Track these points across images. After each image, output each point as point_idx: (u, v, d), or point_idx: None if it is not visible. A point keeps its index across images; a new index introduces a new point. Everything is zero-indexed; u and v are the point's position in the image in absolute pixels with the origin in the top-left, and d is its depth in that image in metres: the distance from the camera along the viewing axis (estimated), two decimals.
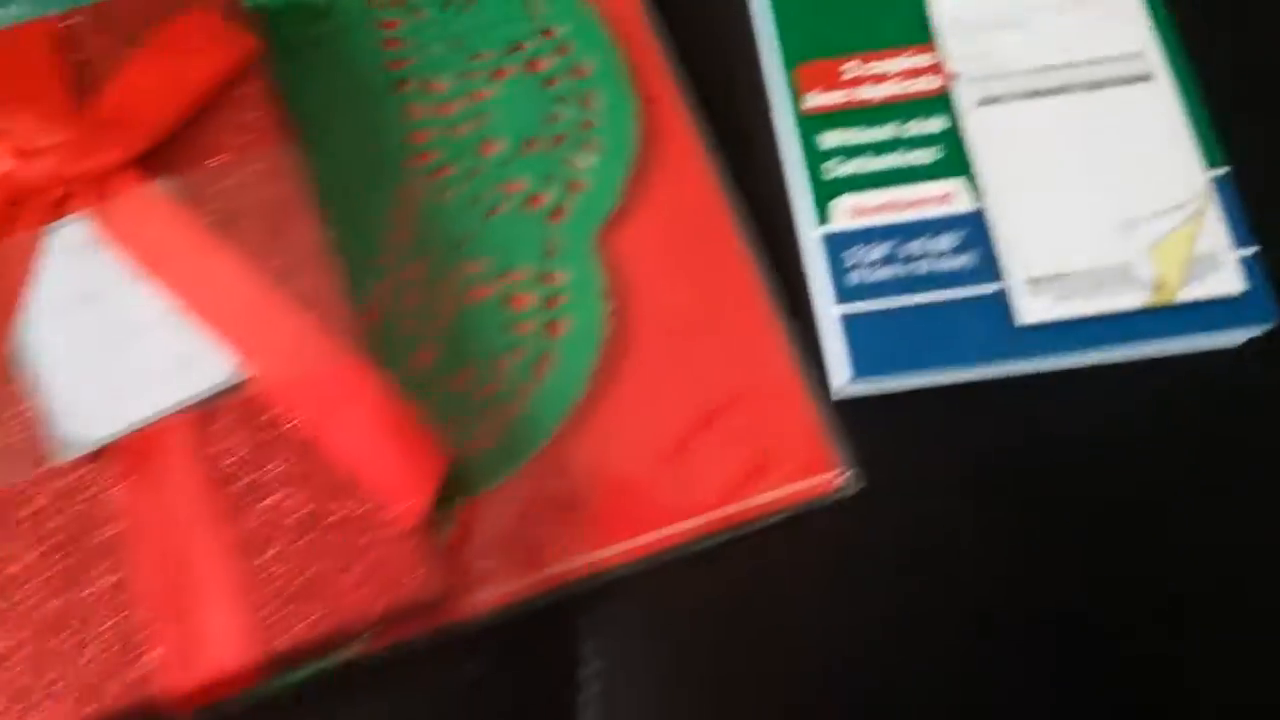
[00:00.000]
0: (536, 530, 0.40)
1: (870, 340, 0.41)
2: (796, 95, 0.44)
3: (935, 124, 0.44)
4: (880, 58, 0.44)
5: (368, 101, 0.44)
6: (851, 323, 0.41)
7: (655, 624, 0.39)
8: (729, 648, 0.39)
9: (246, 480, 0.37)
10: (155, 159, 0.40)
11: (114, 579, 0.36)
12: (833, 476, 0.40)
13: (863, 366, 0.41)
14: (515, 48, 0.45)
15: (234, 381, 0.38)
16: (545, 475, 0.40)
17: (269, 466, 0.37)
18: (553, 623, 0.39)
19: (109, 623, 0.35)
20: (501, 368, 0.41)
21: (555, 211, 0.43)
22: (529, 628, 0.39)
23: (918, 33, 0.45)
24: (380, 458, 0.37)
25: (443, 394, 0.40)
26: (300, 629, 0.36)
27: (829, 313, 0.42)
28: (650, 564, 0.39)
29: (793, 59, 0.45)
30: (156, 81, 0.41)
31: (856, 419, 0.41)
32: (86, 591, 0.35)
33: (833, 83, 0.44)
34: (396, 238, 0.42)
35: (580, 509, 0.40)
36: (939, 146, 0.43)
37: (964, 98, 0.44)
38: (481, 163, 0.44)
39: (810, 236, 0.43)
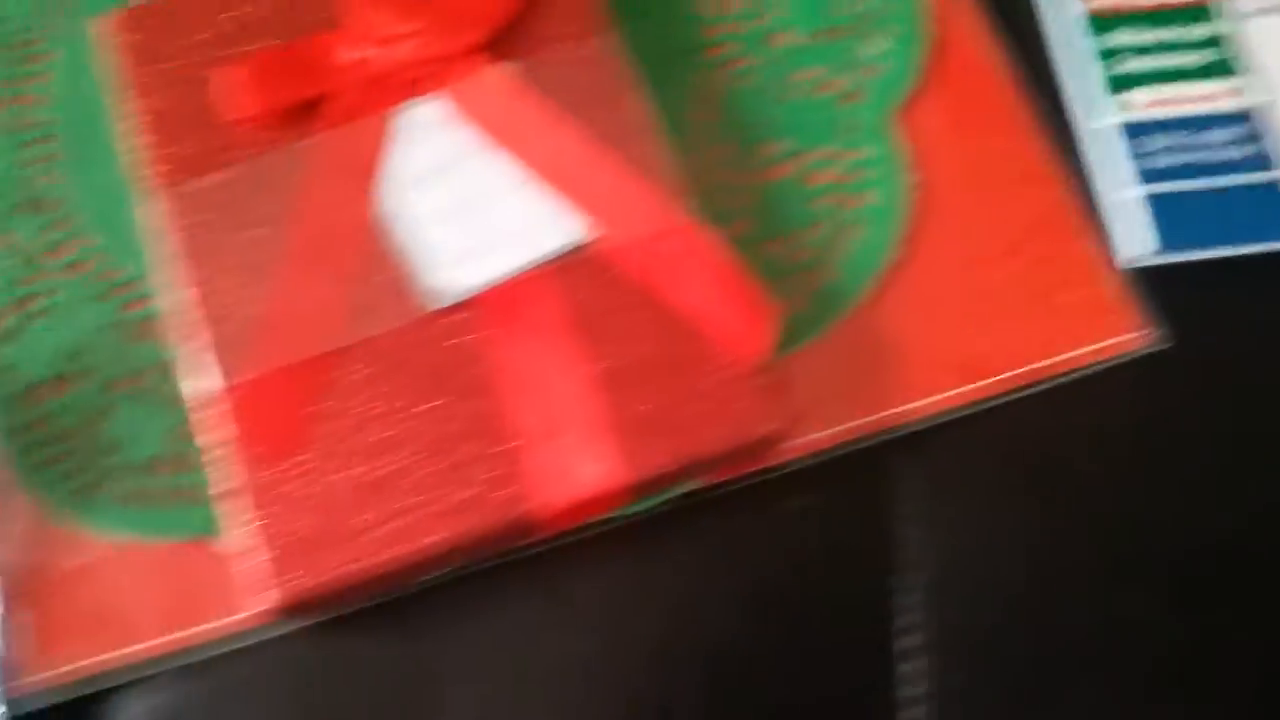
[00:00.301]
0: (845, 384, 0.42)
1: (1170, 218, 0.44)
2: None
3: (1210, 29, 0.46)
4: None
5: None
6: (1155, 201, 0.44)
7: (962, 471, 0.42)
8: (1035, 493, 0.42)
9: (601, 326, 0.40)
10: (496, 45, 0.43)
11: (487, 412, 0.39)
12: (1134, 337, 0.43)
13: (1170, 241, 0.43)
14: None
15: (584, 239, 0.41)
16: (853, 335, 0.43)
17: (620, 314, 0.40)
18: (866, 467, 0.42)
19: (484, 450, 0.39)
20: (808, 238, 0.44)
21: (850, 95, 0.46)
22: (843, 471, 0.42)
23: None
24: (719, 307, 0.40)
25: (755, 261, 0.43)
26: (656, 459, 0.39)
27: (1121, 189, 0.44)
28: (958, 414, 0.42)
29: None
30: None
31: (1153, 287, 0.43)
32: (463, 422, 0.39)
33: None
34: (702, 115, 0.46)
35: (887, 366, 0.43)
36: (1214, 50, 0.46)
37: (1239, 7, 0.46)
38: (773, 53, 0.47)
39: (1100, 125, 0.45)
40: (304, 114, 0.43)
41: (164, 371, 0.42)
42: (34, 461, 0.41)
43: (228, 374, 0.40)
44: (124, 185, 0.45)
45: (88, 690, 0.39)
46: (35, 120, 0.46)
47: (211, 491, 0.40)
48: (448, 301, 0.41)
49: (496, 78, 0.43)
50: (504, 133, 0.42)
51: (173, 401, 0.42)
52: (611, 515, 0.40)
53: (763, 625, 0.40)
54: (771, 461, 0.41)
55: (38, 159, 0.46)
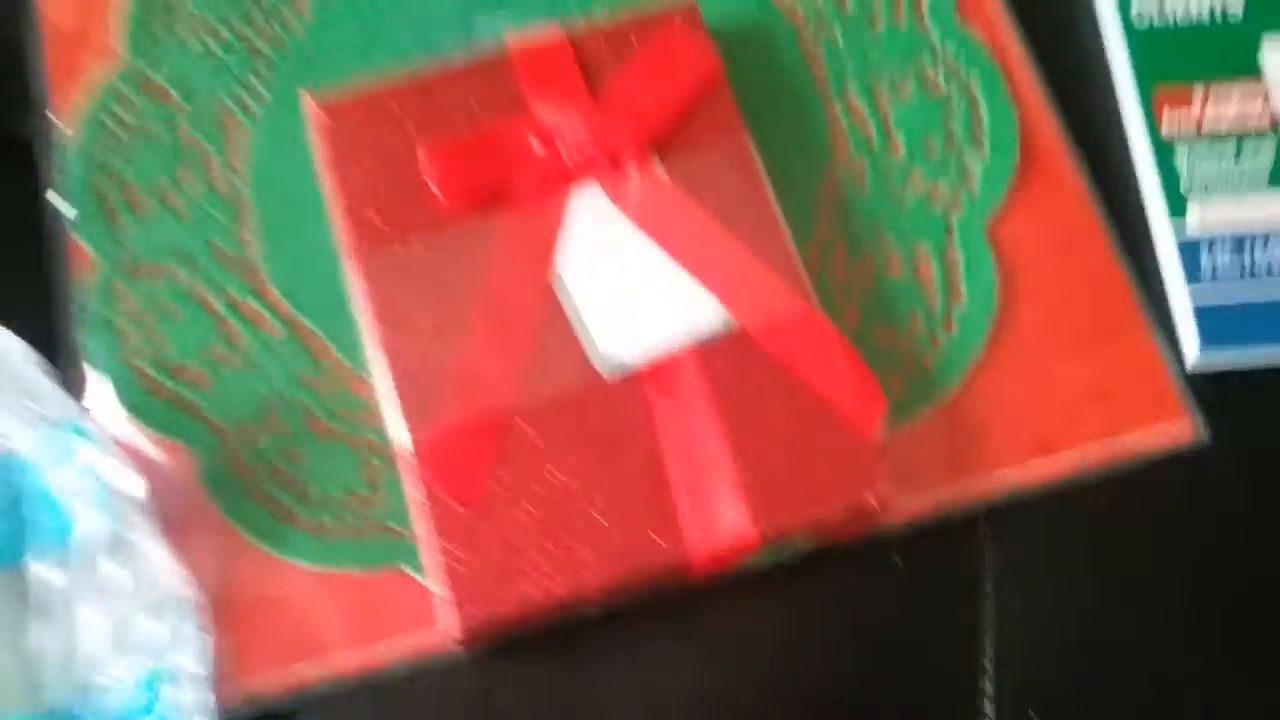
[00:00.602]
0: (941, 460, 0.49)
1: (1217, 322, 0.50)
2: (1152, 116, 0.54)
3: (1268, 149, 0.53)
4: (1221, 91, 0.54)
5: (796, 107, 0.54)
6: (1201, 305, 0.50)
7: (1035, 541, 0.49)
8: (1094, 562, 0.48)
9: (741, 399, 0.47)
10: (654, 147, 0.50)
11: (644, 469, 0.46)
12: (1185, 430, 0.49)
13: (1208, 341, 0.50)
14: (914, 68, 0.55)
15: (726, 325, 0.48)
16: (948, 417, 0.50)
17: (757, 390, 0.47)
18: (958, 533, 0.48)
19: (641, 503, 0.45)
20: (911, 329, 0.51)
21: (952, 203, 0.53)
22: (938, 536, 0.48)
23: (1252, 70, 0.54)
24: (838, 387, 0.47)
25: (865, 347, 0.50)
26: (783, 519, 0.45)
27: (1182, 297, 0.51)
28: (1035, 491, 0.49)
29: (1148, 86, 0.54)
30: (649, 85, 0.51)
31: (1206, 386, 0.50)
32: (623, 477, 0.46)
33: (1183, 107, 0.53)
34: (822, 216, 0.52)
35: (976, 446, 0.49)
36: (1271, 171, 0.52)
37: None
38: (890, 161, 0.53)
39: (1165, 234, 0.52)
40: (489, 194, 0.49)
41: (351, 418, 0.48)
42: (234, 497, 0.47)
43: (414, 426, 0.46)
44: (313, 250, 0.51)
45: (278, 707, 0.45)
46: (230, 188, 0.53)
47: (397, 527, 0.46)
48: (612, 373, 0.47)
49: (653, 175, 0.49)
50: (658, 225, 0.49)
51: (360, 445, 0.48)
52: (742, 565, 0.46)
53: (866, 668, 0.47)
54: (878, 524, 0.48)
55: (231, 223, 0.52)
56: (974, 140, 0.54)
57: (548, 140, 0.50)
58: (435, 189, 0.49)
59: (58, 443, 0.44)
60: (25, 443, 0.45)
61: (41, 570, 0.44)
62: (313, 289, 0.51)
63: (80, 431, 0.44)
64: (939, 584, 0.48)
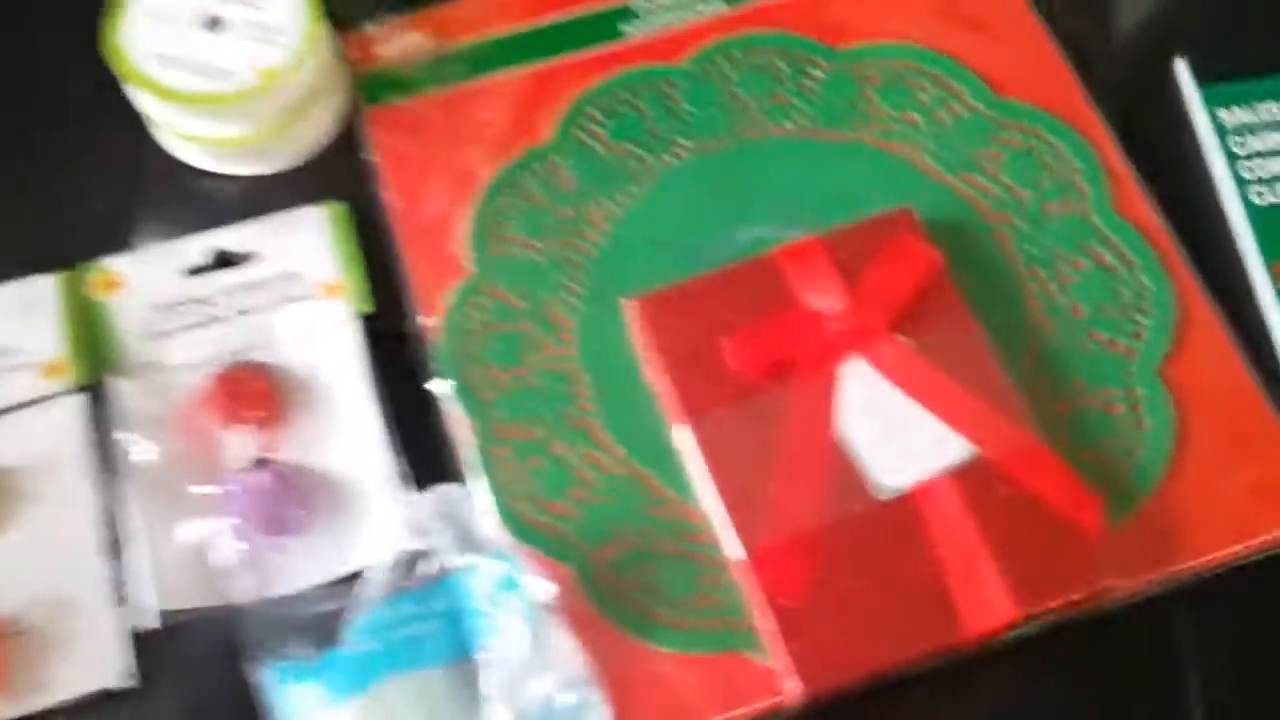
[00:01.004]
0: (1141, 552, 0.63)
1: None
2: (1276, 278, 0.69)
3: None
4: None
5: (995, 280, 0.70)
6: None
7: (1229, 612, 0.63)
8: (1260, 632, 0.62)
9: (991, 509, 0.61)
10: (898, 324, 0.66)
11: (925, 571, 0.60)
12: None
13: None
14: (1084, 247, 0.71)
15: (972, 454, 0.63)
16: (1144, 518, 0.64)
17: (1002, 501, 0.61)
18: (1160, 608, 0.62)
19: (925, 594, 0.60)
20: (1111, 450, 0.65)
21: (1128, 351, 0.68)
22: (1145, 611, 0.62)
23: None
24: (1064, 497, 0.61)
25: (1077, 465, 0.64)
26: (1039, 600, 0.60)
27: None
28: (1221, 573, 0.63)
29: (1269, 256, 0.70)
30: (888, 276, 0.67)
31: None
32: (910, 575, 0.60)
33: None
34: (1028, 365, 0.67)
35: (1167, 540, 0.63)
36: None
37: None
38: (1073, 320, 0.69)
39: None
40: (777, 367, 0.65)
41: (686, 537, 0.63)
42: (606, 600, 0.62)
43: (747, 543, 0.61)
44: (638, 409, 0.66)
45: None
46: (566, 367, 0.69)
47: (733, 619, 0.61)
48: (889, 495, 0.62)
49: (901, 346, 0.65)
50: (911, 383, 0.64)
51: (697, 557, 0.63)
52: (999, 640, 0.61)
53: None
54: (1098, 605, 0.62)
55: (570, 393, 0.68)
56: (1140, 302, 0.69)
57: (816, 323, 0.66)
58: (736, 365, 0.65)
59: (486, 565, 0.60)
60: (463, 566, 0.60)
61: (481, 662, 0.59)
62: (641, 439, 0.66)
63: (500, 556, 0.60)
64: (1148, 647, 0.62)
